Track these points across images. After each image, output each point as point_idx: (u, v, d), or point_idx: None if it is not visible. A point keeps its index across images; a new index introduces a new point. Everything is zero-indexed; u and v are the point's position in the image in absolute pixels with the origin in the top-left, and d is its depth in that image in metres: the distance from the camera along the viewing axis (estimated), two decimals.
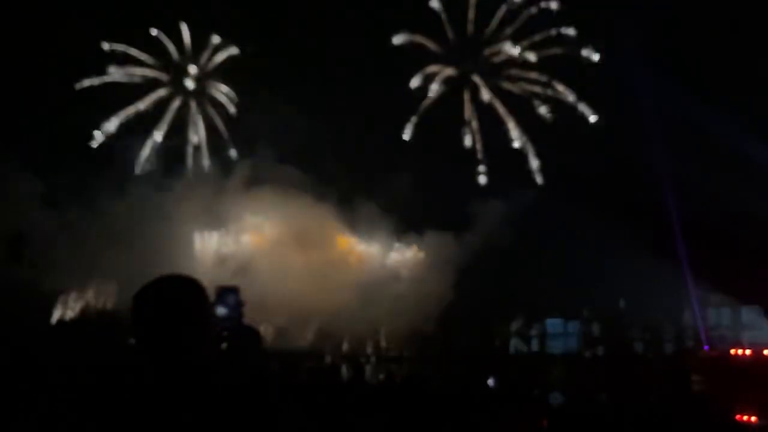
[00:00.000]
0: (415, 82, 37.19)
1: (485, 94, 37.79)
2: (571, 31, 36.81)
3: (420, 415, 7.53)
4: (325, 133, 33.38)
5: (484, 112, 38.11)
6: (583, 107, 37.06)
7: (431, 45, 37.47)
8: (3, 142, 30.68)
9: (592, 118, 37.05)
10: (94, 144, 34.95)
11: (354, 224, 35.79)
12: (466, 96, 37.98)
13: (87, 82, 34.99)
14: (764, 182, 31.33)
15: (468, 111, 37.86)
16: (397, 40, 36.53)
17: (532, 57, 37.29)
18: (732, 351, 33.33)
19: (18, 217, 28.72)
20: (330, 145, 33.87)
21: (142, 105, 36.09)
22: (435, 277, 33.93)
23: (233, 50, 36.99)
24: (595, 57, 36.62)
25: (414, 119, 37.24)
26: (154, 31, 36.09)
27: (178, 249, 31.97)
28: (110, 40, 35.10)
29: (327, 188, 34.65)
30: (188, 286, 2.49)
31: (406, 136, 37.05)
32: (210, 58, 37.23)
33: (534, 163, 37.76)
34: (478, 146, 37.83)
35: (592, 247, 33.46)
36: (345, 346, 34.97)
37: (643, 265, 30.55)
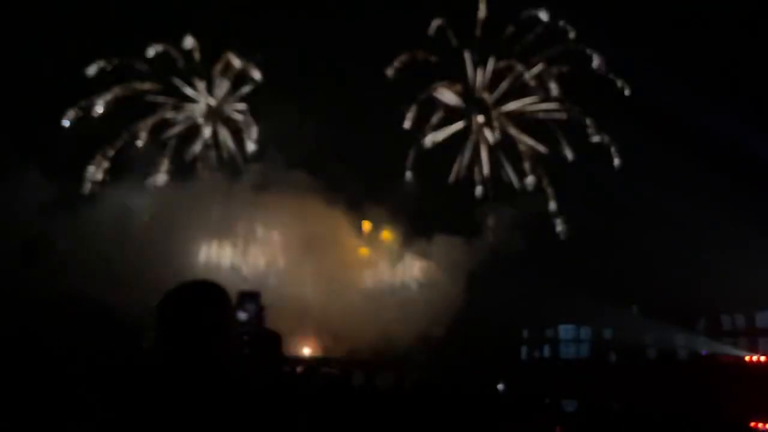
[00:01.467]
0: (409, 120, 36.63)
1: (491, 135, 37.39)
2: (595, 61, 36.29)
3: (430, 421, 7.51)
4: (334, 139, 33.52)
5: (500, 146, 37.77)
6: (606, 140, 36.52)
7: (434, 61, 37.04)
8: (16, 148, 31.04)
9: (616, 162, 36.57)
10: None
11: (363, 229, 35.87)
12: (478, 133, 37.53)
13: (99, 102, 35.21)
14: None
15: (481, 151, 37.45)
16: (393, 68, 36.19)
17: (554, 88, 36.76)
18: (747, 357, 33.06)
19: (29, 222, 28.93)
20: (339, 150, 34.04)
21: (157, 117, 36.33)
22: (445, 283, 33.89)
23: (252, 71, 36.93)
24: (626, 90, 36.14)
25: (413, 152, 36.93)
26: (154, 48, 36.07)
27: (189, 256, 32.12)
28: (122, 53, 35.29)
29: (337, 193, 34.82)
30: (213, 292, 2.54)
31: (408, 176, 36.78)
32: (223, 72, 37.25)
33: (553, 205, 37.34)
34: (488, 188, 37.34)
35: (606, 253, 33.37)
36: (356, 352, 34.97)
37: (657, 269, 30.37)
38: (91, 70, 34.57)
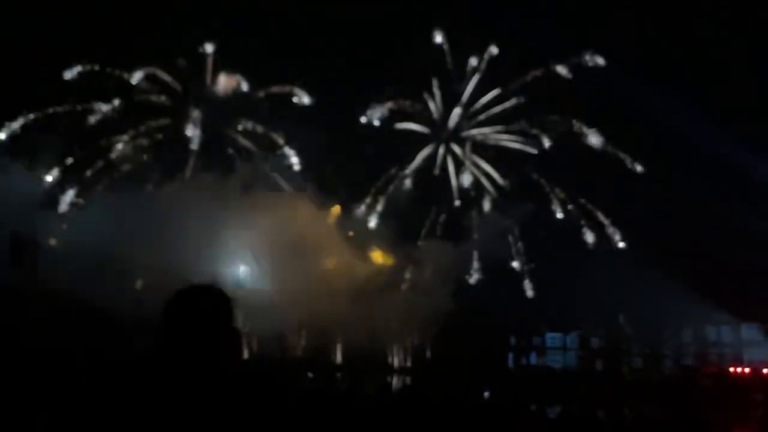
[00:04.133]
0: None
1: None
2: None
3: (416, 426, 7.54)
4: (326, 143, 33.66)
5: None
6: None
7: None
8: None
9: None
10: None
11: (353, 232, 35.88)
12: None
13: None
14: (764, 199, 31.42)
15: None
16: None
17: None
18: (731, 369, 33.33)
19: (23, 221, 28.75)
20: (331, 154, 34.18)
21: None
22: (433, 288, 33.90)
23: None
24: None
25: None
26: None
27: (179, 256, 31.87)
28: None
29: (328, 197, 34.94)
30: (218, 298, 2.59)
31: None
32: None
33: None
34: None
35: (593, 262, 33.57)
36: (343, 356, 34.89)
37: (643, 280, 30.57)
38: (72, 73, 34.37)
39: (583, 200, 36.19)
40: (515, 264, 36.65)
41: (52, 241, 31.20)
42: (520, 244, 36.58)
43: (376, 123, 36.38)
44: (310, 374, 27.30)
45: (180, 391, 2.37)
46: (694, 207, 31.80)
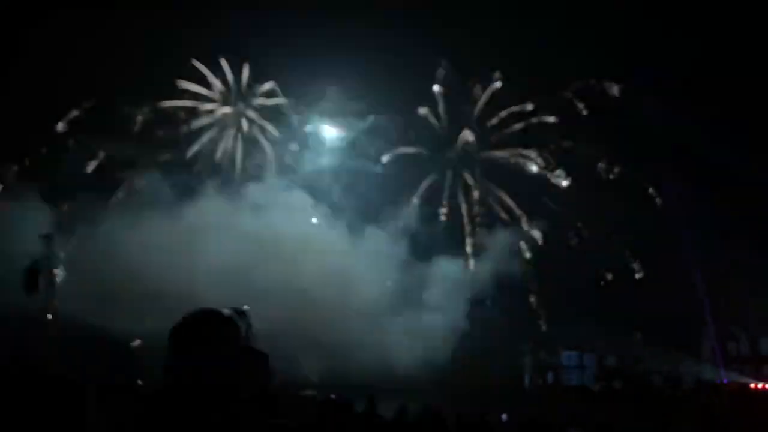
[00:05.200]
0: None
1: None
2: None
3: None
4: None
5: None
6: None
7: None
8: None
9: None
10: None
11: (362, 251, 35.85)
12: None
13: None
14: None
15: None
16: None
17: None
18: (752, 385, 32.77)
19: (32, 246, 28.94)
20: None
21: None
22: (447, 307, 33.68)
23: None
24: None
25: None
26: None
27: (183, 269, 31.80)
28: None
29: (337, 214, 35.11)
30: (226, 325, 2.56)
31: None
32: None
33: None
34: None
35: (610, 279, 33.28)
36: (357, 378, 34.56)
37: (662, 296, 30.28)
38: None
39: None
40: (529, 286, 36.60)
41: (62, 270, 31.34)
42: (532, 267, 36.55)
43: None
44: (332, 395, 26.93)
45: (194, 421, 2.33)
46: (709, 223, 31.59)
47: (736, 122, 31.44)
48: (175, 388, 2.37)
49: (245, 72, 37.63)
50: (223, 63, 37.57)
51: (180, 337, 2.45)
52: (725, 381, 33.74)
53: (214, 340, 2.46)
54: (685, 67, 32.83)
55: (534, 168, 37.59)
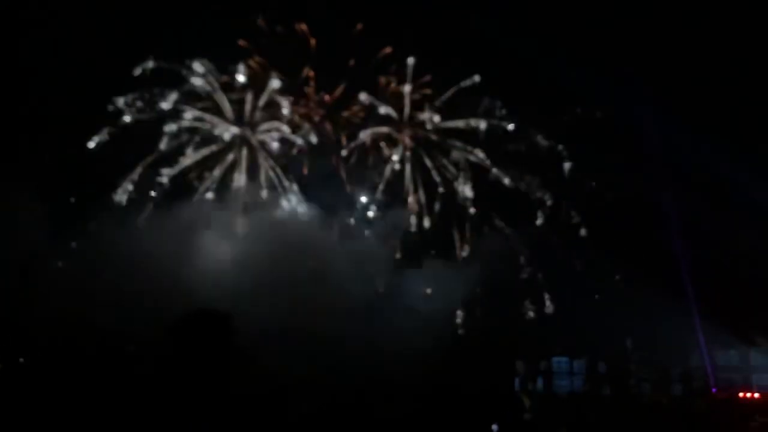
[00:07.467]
0: None
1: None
2: None
3: None
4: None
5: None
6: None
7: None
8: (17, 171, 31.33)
9: None
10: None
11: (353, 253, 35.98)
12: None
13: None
14: None
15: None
16: None
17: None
18: (740, 394, 33.04)
19: (26, 247, 29.01)
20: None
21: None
22: (437, 311, 33.78)
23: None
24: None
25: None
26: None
27: (175, 271, 31.83)
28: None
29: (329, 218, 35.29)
30: (222, 323, 2.77)
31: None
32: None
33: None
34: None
35: (601, 286, 33.53)
36: (347, 377, 34.55)
37: (651, 304, 30.52)
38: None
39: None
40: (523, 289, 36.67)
41: (61, 264, 31.46)
42: (527, 267, 36.61)
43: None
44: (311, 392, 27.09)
45: (184, 411, 2.52)
46: (704, 234, 31.88)
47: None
48: (169, 380, 2.56)
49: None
50: None
51: (177, 334, 2.65)
52: (714, 390, 34.00)
53: (209, 337, 2.66)
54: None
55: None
